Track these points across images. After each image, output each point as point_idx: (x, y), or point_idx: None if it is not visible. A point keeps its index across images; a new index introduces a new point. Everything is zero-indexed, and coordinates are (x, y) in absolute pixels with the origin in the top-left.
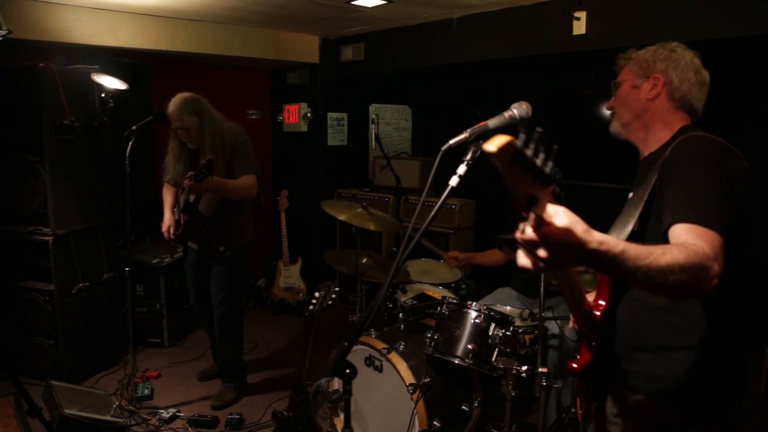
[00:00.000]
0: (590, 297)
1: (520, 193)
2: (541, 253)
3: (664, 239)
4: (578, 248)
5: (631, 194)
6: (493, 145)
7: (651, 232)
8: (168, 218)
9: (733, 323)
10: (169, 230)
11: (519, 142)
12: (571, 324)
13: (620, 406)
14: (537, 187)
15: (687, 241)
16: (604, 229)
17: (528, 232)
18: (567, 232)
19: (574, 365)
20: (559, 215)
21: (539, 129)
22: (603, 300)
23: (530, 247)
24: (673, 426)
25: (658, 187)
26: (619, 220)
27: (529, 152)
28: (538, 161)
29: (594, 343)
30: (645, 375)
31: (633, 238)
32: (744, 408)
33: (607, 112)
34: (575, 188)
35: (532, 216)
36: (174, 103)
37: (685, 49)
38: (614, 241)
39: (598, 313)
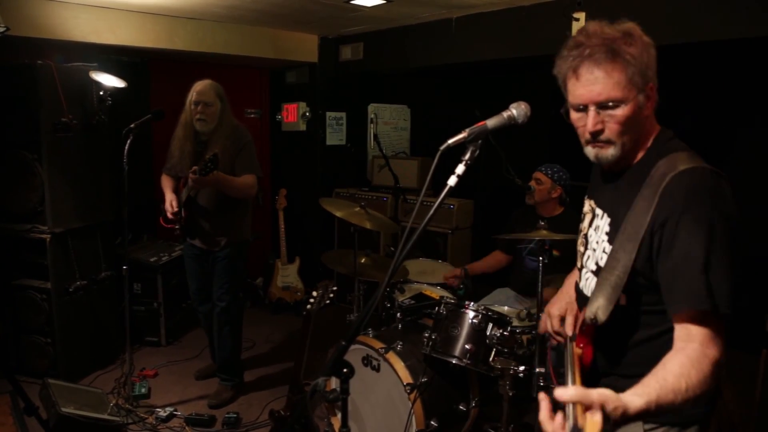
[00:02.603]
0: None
1: None
2: None
3: (662, 311)
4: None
5: (599, 213)
6: None
7: (633, 288)
8: (170, 196)
9: None
10: (171, 204)
11: None
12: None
13: None
14: None
15: (700, 348)
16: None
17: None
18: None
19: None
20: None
21: None
22: (583, 344)
23: None
24: None
25: (648, 237)
26: (605, 276)
27: None
28: None
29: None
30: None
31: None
32: (711, 423)
33: None
34: (574, 189)
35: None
36: (203, 82)
37: None
38: (646, 402)
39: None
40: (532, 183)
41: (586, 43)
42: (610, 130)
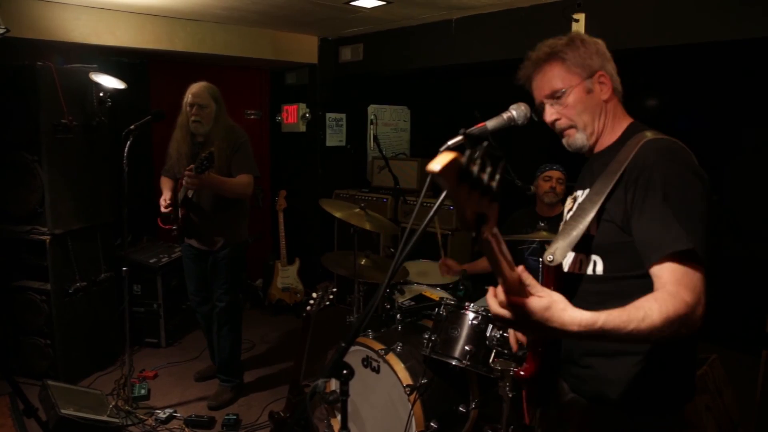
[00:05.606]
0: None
1: (468, 212)
2: (517, 326)
3: (641, 268)
4: (558, 330)
5: (579, 194)
6: (437, 164)
7: (603, 235)
8: (166, 194)
9: None
10: (164, 198)
11: (464, 159)
12: (512, 341)
13: (566, 412)
14: (485, 205)
15: (669, 288)
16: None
17: (498, 307)
18: (546, 313)
19: (521, 372)
20: (537, 299)
21: (485, 143)
22: None
23: (505, 323)
24: (621, 430)
25: (621, 192)
26: (569, 223)
27: (476, 169)
28: (485, 177)
29: (540, 349)
30: (597, 380)
31: (584, 241)
32: (686, 411)
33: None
34: (570, 191)
35: (500, 291)
36: (198, 84)
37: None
38: (592, 319)
39: None
40: (553, 183)
41: (532, 55)
42: (566, 116)
